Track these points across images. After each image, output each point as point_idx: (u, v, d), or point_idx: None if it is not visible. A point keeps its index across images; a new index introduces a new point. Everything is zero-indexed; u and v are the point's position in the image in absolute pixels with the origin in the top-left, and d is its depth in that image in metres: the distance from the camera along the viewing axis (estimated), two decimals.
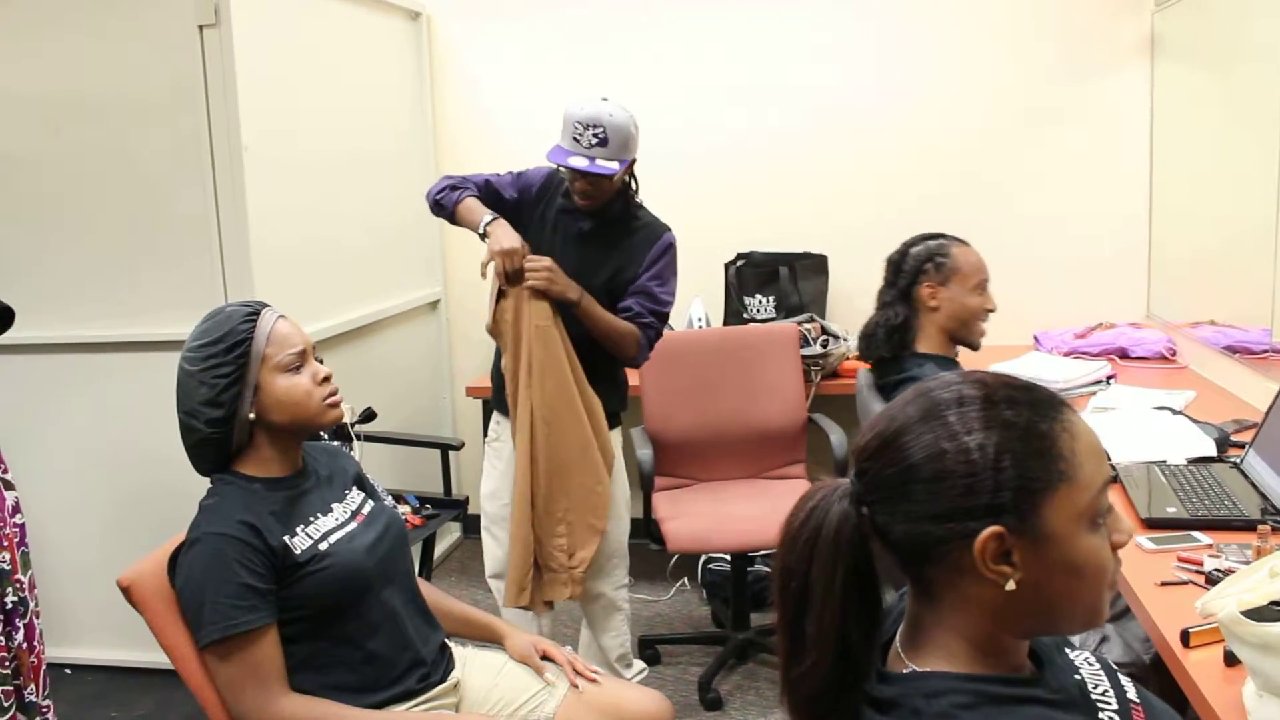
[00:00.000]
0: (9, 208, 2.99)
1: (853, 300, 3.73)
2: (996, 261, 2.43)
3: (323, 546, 1.70)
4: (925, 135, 3.78)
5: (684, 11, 3.87)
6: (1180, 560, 1.74)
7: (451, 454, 3.51)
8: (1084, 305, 3.65)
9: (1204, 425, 2.40)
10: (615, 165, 2.39)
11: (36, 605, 2.38)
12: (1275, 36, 2.65)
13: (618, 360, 2.59)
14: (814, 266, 3.80)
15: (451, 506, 3.34)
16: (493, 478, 2.68)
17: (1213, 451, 2.25)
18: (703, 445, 3.30)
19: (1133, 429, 2.41)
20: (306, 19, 3.23)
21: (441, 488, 3.47)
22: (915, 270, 2.37)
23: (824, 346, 3.45)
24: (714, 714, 2.91)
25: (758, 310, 3.78)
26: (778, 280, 3.76)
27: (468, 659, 1.93)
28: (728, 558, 3.33)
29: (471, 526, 3.84)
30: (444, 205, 2.52)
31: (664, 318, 2.57)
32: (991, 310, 2.39)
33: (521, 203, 2.59)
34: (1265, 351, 2.74)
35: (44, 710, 2.39)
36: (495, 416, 2.69)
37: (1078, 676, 1.01)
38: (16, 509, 2.36)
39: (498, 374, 2.58)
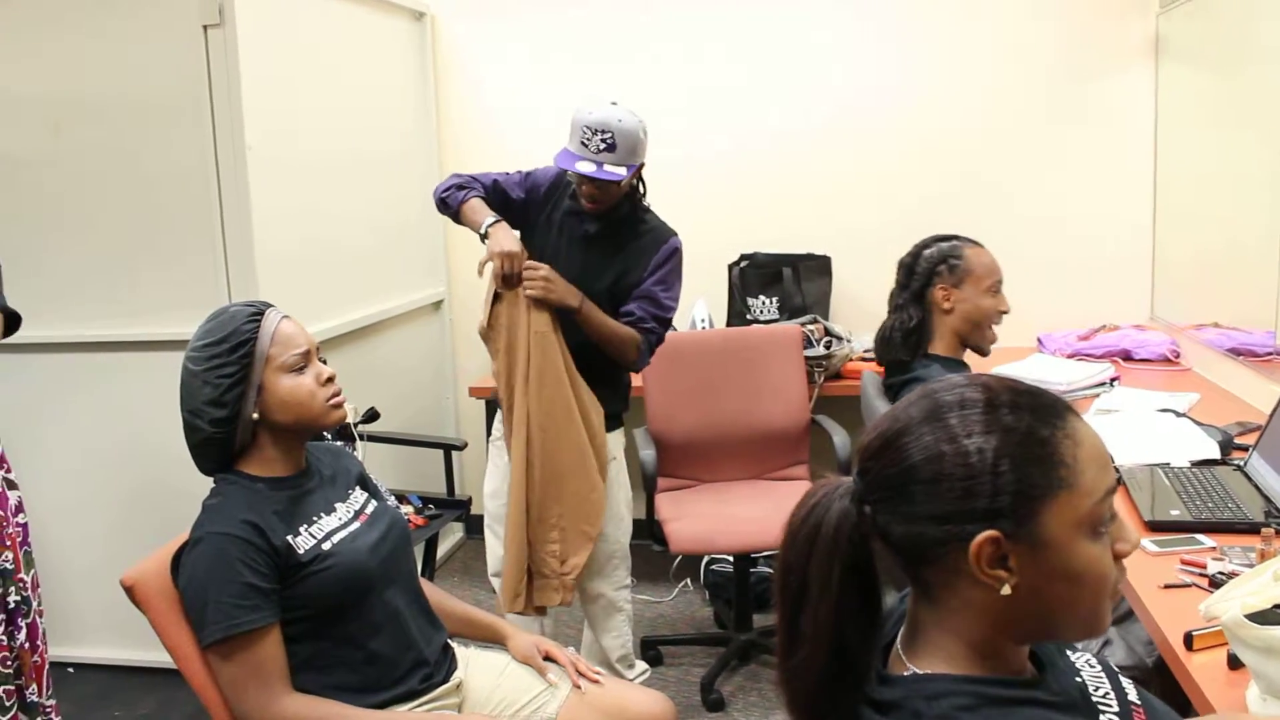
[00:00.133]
0: (13, 208, 2.99)
1: (856, 301, 3.74)
2: (1000, 263, 2.41)
3: (326, 546, 1.70)
4: (929, 136, 3.77)
5: (686, 12, 3.87)
6: (1184, 563, 1.74)
7: (454, 454, 3.51)
8: (1088, 307, 3.65)
9: (1208, 428, 2.40)
10: (622, 171, 2.38)
11: (40, 605, 2.39)
12: None
13: (619, 364, 2.59)
14: (817, 268, 3.79)
15: (454, 507, 3.33)
16: (495, 476, 2.68)
17: (1216, 454, 2.24)
18: (706, 446, 3.30)
19: (1136, 431, 2.41)
20: (311, 19, 3.24)
21: (444, 488, 3.47)
22: (928, 272, 2.35)
23: (827, 348, 3.44)
24: (716, 715, 2.91)
25: (761, 311, 3.77)
26: (781, 281, 3.76)
27: (470, 659, 1.94)
28: (730, 559, 3.33)
29: (474, 527, 3.84)
30: (449, 204, 2.52)
31: (666, 323, 2.56)
32: (1005, 312, 2.37)
33: (529, 203, 2.59)
34: (1269, 354, 2.73)
35: (47, 710, 2.40)
36: (500, 415, 2.69)
37: (1079, 679, 1.00)
38: (20, 508, 2.37)
39: None
